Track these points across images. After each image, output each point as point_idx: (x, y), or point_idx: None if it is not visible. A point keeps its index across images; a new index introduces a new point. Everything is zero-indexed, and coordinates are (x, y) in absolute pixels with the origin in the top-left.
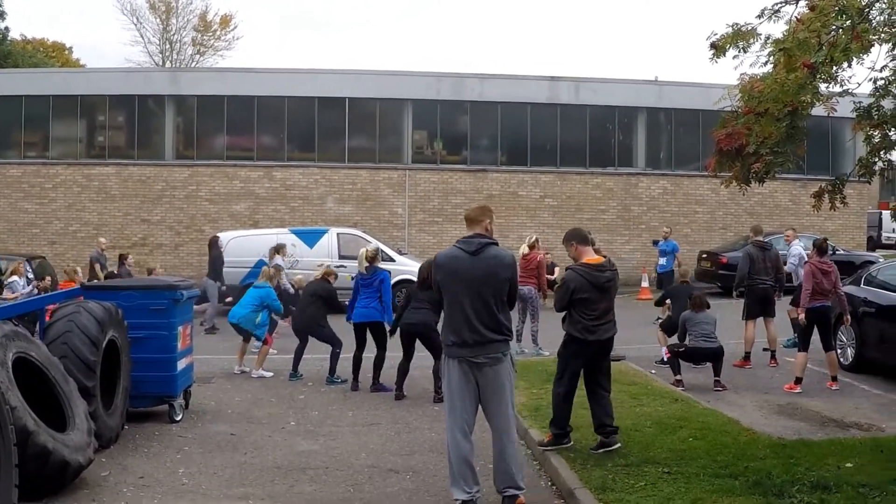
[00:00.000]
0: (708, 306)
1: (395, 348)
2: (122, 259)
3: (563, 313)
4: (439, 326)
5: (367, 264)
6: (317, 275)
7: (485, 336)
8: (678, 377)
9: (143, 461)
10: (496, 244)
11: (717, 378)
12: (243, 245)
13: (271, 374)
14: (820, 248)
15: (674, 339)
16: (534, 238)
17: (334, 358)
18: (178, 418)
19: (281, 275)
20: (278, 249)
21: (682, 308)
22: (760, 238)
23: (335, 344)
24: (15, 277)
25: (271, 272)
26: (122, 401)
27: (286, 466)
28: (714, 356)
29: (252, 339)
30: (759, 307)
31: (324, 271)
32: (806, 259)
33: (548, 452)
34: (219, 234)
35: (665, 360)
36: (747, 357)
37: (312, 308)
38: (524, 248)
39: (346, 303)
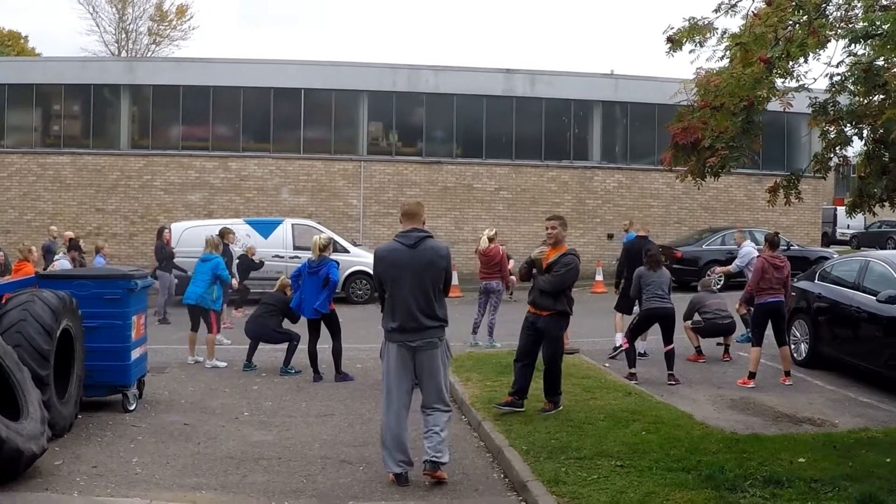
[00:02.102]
0: (661, 264)
1: (351, 338)
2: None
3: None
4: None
5: (318, 253)
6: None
7: (422, 323)
8: (632, 370)
9: (96, 450)
10: (432, 237)
11: (670, 372)
12: (197, 235)
13: (225, 364)
14: (772, 242)
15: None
16: (493, 231)
17: (291, 350)
18: (132, 408)
19: (232, 238)
20: (223, 235)
21: (634, 264)
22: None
23: (292, 339)
24: None
25: (216, 240)
26: (75, 390)
27: (239, 457)
28: (665, 317)
29: (201, 327)
30: None
31: (280, 284)
32: (756, 256)
33: (503, 447)
34: (165, 226)
35: (620, 346)
36: (699, 351)
37: (267, 318)
38: (484, 241)
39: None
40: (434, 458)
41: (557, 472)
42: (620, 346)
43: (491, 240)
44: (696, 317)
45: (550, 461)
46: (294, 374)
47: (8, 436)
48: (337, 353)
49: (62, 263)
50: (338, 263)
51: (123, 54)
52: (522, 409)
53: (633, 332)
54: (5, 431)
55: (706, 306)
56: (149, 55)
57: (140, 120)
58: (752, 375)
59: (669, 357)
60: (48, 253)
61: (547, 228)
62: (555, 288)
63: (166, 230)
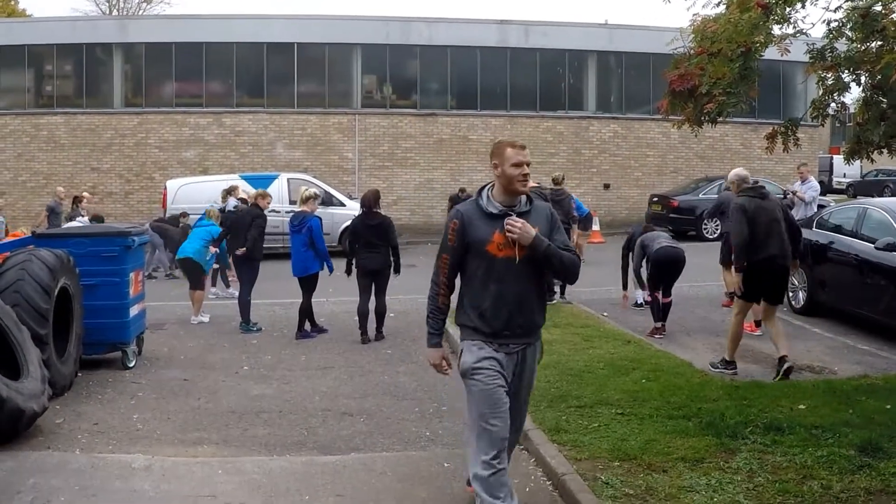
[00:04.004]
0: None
1: (348, 292)
2: (76, 201)
3: None
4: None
5: (301, 205)
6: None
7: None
8: (657, 325)
9: (97, 408)
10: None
11: (661, 324)
12: (193, 192)
13: (208, 318)
14: None
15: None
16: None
17: (244, 306)
18: (132, 365)
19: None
20: (230, 191)
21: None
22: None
23: (245, 289)
24: None
25: (216, 213)
26: (75, 348)
27: (240, 411)
28: (675, 262)
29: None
30: None
31: (257, 194)
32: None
33: None
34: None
35: (643, 302)
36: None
37: (254, 234)
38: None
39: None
40: None
41: (558, 420)
42: (643, 301)
43: None
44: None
45: (551, 410)
46: (256, 332)
47: (8, 395)
48: (306, 310)
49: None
50: (320, 220)
51: (115, 13)
52: None
53: (654, 284)
54: (6, 391)
55: (655, 240)
56: (140, 13)
57: (133, 78)
58: (758, 323)
59: (666, 309)
60: (53, 213)
61: None
62: None
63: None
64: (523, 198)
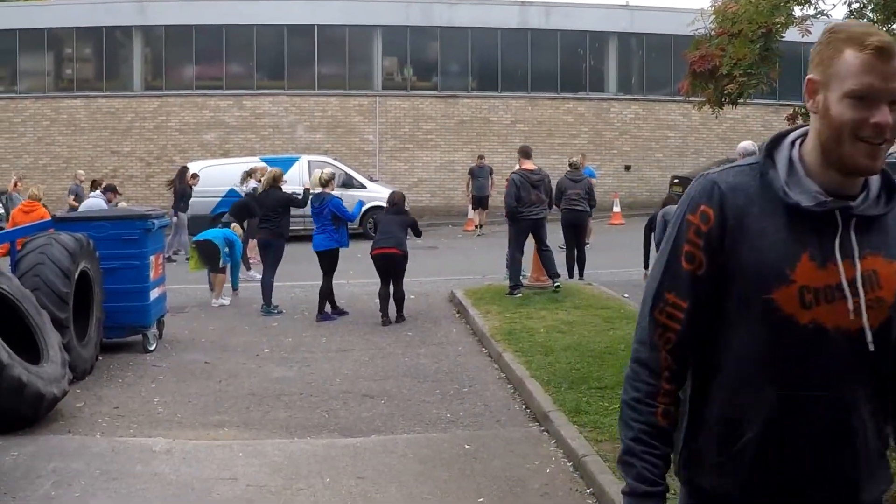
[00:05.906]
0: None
1: (368, 274)
2: (94, 185)
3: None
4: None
5: (318, 189)
6: (263, 185)
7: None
8: None
9: (117, 391)
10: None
11: None
12: (214, 175)
13: (229, 300)
14: None
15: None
16: None
17: (266, 288)
18: (152, 348)
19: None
20: (251, 173)
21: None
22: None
23: (269, 271)
24: None
25: (240, 231)
26: (95, 332)
27: (261, 393)
28: None
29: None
30: None
31: (271, 175)
32: None
33: (524, 378)
34: (187, 165)
35: None
36: None
37: (281, 216)
38: None
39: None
40: None
41: (579, 402)
42: None
43: None
44: None
45: (572, 391)
46: (277, 314)
47: (29, 379)
48: (325, 292)
49: (97, 203)
50: (340, 199)
51: None
52: None
53: None
54: (26, 375)
55: None
56: None
57: (153, 61)
58: None
59: None
60: (77, 197)
61: None
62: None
63: (188, 172)
64: (875, 179)
